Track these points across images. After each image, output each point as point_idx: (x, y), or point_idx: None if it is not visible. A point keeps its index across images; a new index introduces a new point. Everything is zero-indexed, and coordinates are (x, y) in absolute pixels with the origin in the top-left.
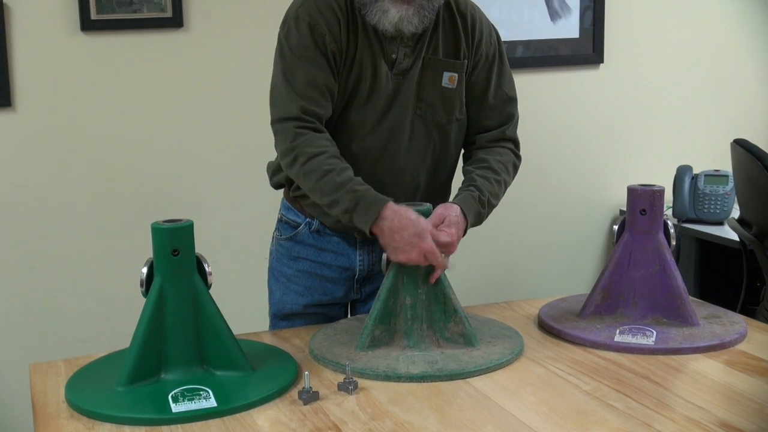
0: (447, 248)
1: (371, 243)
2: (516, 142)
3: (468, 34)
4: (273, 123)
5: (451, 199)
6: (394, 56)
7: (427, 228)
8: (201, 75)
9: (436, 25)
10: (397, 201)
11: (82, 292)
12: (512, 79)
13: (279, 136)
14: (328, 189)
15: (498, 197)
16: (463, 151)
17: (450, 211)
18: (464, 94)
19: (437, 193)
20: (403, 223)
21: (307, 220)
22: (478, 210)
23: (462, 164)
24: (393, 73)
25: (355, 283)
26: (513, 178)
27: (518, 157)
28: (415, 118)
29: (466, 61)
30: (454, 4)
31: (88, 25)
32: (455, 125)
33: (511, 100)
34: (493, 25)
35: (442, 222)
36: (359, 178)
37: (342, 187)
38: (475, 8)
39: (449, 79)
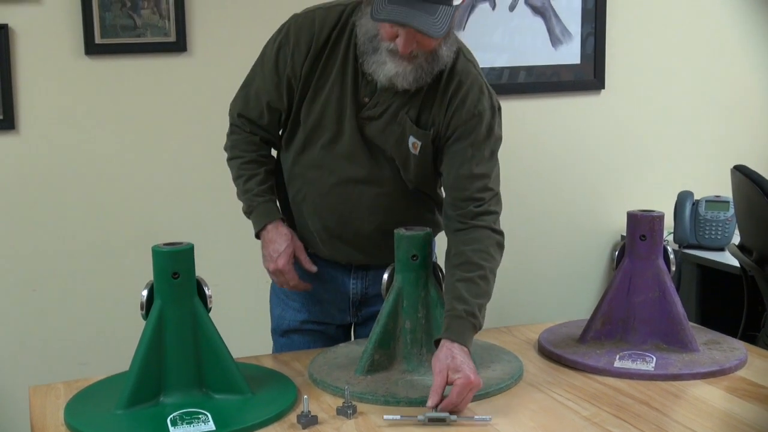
0: (472, 387)
1: (365, 268)
2: (495, 216)
3: (445, 99)
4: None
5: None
6: (366, 100)
7: (289, 250)
8: (204, 99)
9: (421, 87)
10: (389, 229)
11: (82, 314)
12: (493, 157)
13: (230, 126)
14: (238, 190)
15: (488, 293)
16: (447, 212)
17: (449, 362)
18: (430, 160)
19: (421, 224)
20: (273, 238)
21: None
22: (472, 325)
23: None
24: (359, 116)
25: (351, 306)
26: (501, 257)
27: (499, 233)
28: (375, 167)
29: (432, 129)
30: (450, 66)
31: (92, 49)
32: (419, 183)
33: (484, 177)
34: (491, 97)
35: (449, 372)
36: (263, 188)
37: (245, 193)
38: (468, 75)
39: (413, 145)
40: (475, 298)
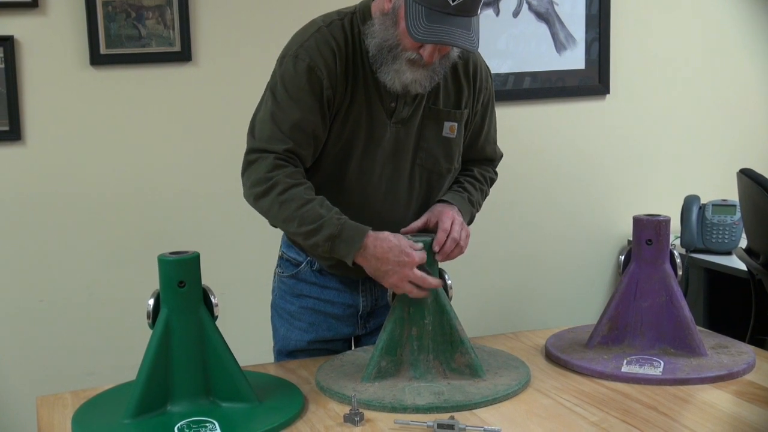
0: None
1: (373, 280)
2: (495, 164)
3: (470, 82)
4: (252, 151)
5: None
6: (393, 105)
7: (408, 251)
8: (209, 109)
9: None
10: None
11: (90, 324)
12: (496, 122)
13: (255, 164)
14: (309, 217)
15: (480, 204)
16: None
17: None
18: (463, 136)
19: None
20: (383, 245)
21: (308, 258)
22: (470, 210)
23: None
24: (392, 122)
25: (359, 319)
26: (489, 190)
27: (495, 174)
28: (415, 167)
29: (467, 110)
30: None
31: (97, 59)
32: (453, 173)
33: (494, 143)
34: (487, 66)
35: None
36: (336, 210)
37: (324, 216)
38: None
39: (450, 129)
40: (477, 200)
